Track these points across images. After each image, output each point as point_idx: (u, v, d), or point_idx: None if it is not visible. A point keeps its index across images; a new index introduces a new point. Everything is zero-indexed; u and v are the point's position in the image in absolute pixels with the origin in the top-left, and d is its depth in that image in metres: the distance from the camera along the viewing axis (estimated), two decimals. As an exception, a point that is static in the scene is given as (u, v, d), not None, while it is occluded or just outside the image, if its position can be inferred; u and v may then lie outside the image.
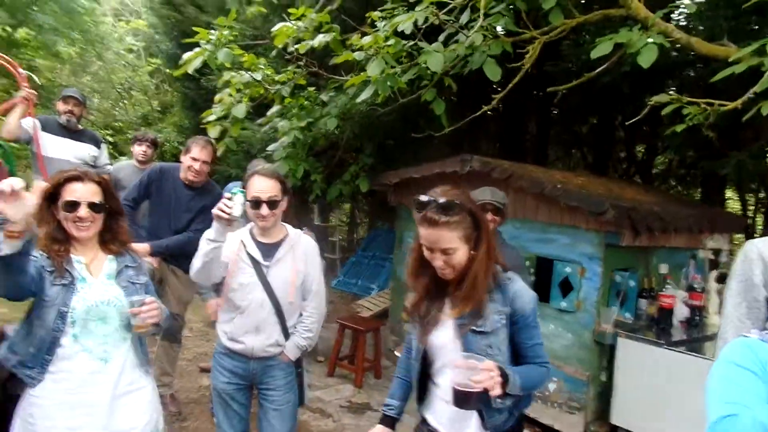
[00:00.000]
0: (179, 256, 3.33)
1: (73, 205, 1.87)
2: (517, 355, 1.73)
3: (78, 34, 9.05)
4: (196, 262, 2.30)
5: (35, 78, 5.21)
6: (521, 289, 1.70)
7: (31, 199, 1.58)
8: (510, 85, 3.59)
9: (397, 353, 2.57)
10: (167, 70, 10.15)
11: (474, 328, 1.65)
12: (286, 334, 2.44)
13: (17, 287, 1.73)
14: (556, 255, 3.93)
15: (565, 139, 9.07)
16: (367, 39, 3.53)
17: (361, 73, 3.61)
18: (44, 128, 4.11)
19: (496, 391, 1.47)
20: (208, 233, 2.25)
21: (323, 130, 4.83)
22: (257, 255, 2.40)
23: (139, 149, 4.54)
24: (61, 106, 4.29)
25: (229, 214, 2.17)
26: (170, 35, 9.41)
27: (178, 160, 3.55)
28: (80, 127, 4.38)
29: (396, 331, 5.14)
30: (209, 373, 4.17)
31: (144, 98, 12.61)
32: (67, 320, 1.86)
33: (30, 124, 3.97)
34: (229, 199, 2.18)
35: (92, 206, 1.91)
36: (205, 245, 2.26)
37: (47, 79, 8.45)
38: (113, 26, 11.85)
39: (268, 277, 2.39)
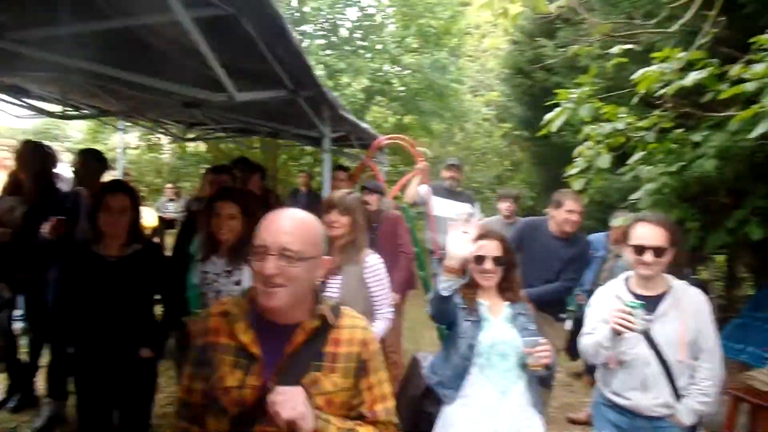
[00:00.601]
0: (551, 303, 3.51)
1: (480, 259, 2.24)
2: None
3: (447, 112, 10.77)
4: (594, 359, 2.39)
5: (428, 153, 6.46)
6: None
7: (470, 246, 2.01)
8: None
9: None
10: (517, 132, 10.99)
11: None
12: (677, 396, 2.26)
13: (446, 314, 2.20)
14: None
15: None
16: (758, 67, 3.10)
17: (752, 106, 3.17)
18: (433, 193, 5.02)
19: None
20: (603, 341, 2.25)
21: (696, 172, 4.36)
22: (639, 308, 2.33)
23: (503, 205, 5.02)
24: (445, 172, 5.18)
25: (629, 329, 2.11)
26: (521, 100, 10.23)
27: (529, 214, 3.80)
28: (459, 189, 5.17)
29: (814, 418, 4.01)
30: (577, 425, 4.15)
31: (497, 160, 13.92)
32: (475, 352, 2.20)
33: (425, 190, 4.92)
34: (629, 313, 2.10)
35: (495, 260, 2.26)
36: (595, 351, 2.32)
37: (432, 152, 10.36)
38: (470, 101, 13.60)
39: (652, 332, 2.28)
